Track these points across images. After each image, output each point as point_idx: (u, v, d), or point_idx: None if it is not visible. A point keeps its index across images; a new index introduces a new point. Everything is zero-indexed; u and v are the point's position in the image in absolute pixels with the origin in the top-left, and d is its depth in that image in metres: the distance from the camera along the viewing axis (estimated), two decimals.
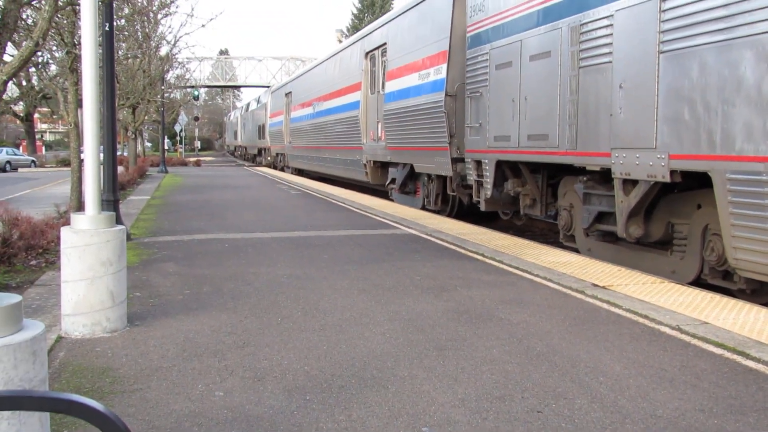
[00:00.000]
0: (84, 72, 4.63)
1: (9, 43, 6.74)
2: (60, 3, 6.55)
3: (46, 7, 6.15)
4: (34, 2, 7.06)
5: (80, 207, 11.44)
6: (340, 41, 57.90)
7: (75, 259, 4.87)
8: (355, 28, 64.23)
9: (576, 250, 9.16)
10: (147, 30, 18.66)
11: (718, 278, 7.02)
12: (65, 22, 10.30)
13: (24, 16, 8.37)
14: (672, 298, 5.96)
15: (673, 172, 6.83)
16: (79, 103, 11.85)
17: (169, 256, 8.26)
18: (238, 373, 4.14)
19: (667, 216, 7.66)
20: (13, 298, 2.38)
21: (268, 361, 4.34)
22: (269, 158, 40.22)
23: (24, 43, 10.67)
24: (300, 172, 30.78)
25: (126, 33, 15.93)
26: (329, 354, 4.49)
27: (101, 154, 5.47)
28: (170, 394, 3.80)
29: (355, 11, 68.85)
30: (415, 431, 3.33)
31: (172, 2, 15.82)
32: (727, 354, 4.49)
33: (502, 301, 5.94)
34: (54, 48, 12.51)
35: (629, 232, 7.71)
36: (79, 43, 11.12)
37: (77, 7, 8.70)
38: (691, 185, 7.17)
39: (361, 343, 4.72)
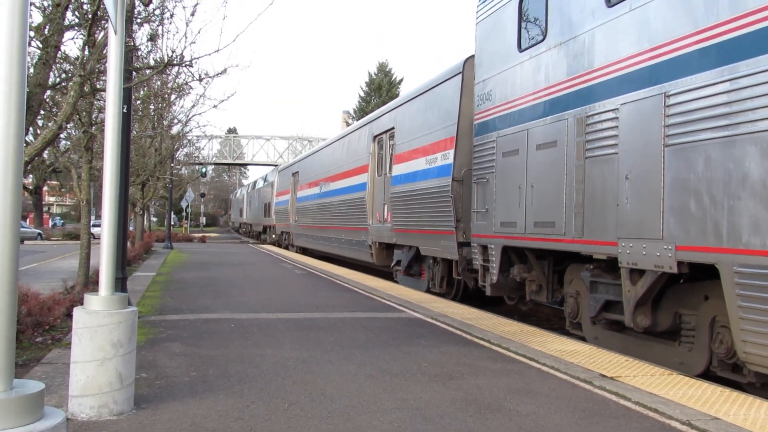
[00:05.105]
0: (105, 161, 4.76)
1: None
2: (85, 89, 6.80)
3: (71, 93, 6.38)
4: (58, 86, 7.30)
5: (87, 283, 11.48)
6: (347, 122, 59.09)
7: (86, 340, 4.89)
8: (362, 110, 65.49)
9: (582, 338, 9.12)
10: (160, 110, 19.14)
11: (728, 371, 6.97)
12: (83, 103, 10.60)
13: (45, 98, 8.62)
14: (681, 391, 5.91)
15: (680, 263, 6.87)
16: (91, 177, 12.08)
17: (175, 336, 8.25)
18: None
19: (675, 306, 7.66)
20: (35, 386, 2.41)
21: None
22: (274, 236, 40.43)
23: (41, 122, 10.99)
24: (304, 251, 30.87)
25: (140, 113, 16.33)
26: None
27: None
28: None
29: (363, 94, 70.34)
30: None
31: (186, 83, 16.28)
32: None
33: (510, 391, 5.89)
34: (69, 126, 12.83)
35: (636, 322, 7.70)
36: (95, 123, 11.48)
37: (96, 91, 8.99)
38: (698, 275, 7.21)
39: None
